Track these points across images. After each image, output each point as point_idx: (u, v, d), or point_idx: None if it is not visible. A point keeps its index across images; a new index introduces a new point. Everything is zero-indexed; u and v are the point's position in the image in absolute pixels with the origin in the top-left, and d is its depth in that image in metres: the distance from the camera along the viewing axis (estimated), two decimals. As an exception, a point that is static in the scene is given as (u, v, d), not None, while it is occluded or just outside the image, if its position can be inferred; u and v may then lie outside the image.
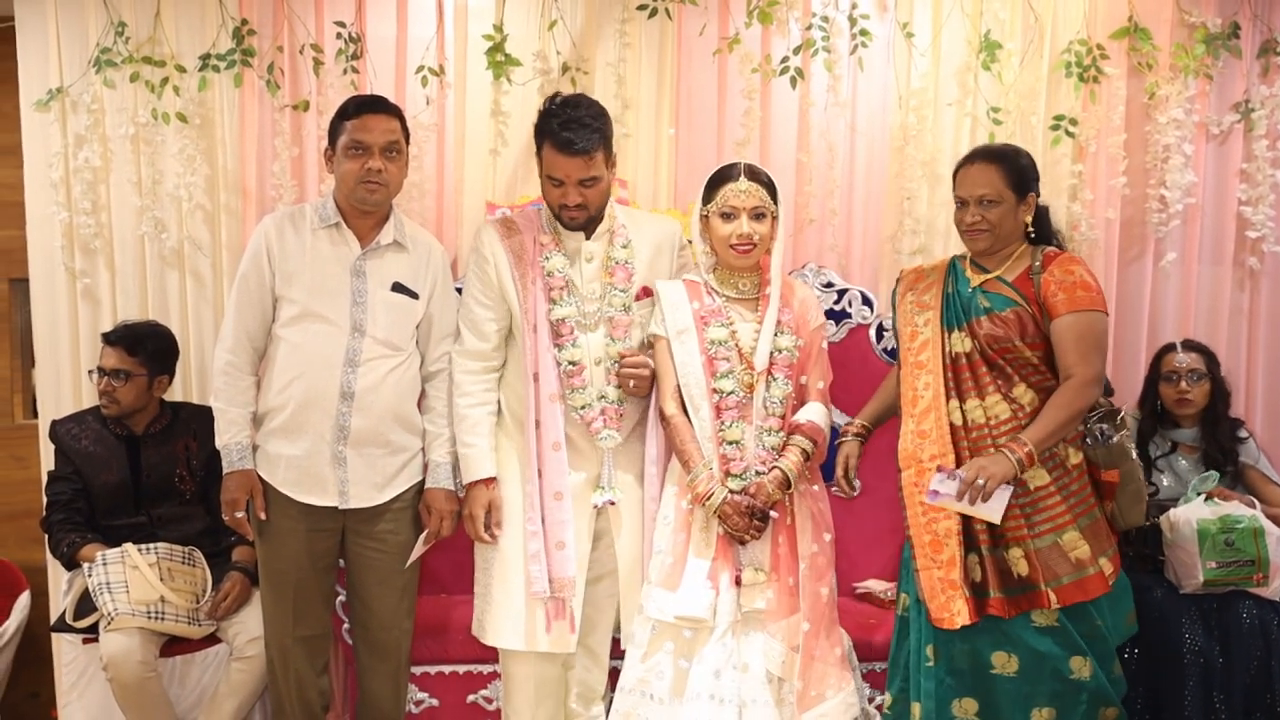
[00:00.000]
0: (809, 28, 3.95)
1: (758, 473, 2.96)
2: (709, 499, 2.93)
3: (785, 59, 3.95)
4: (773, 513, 2.95)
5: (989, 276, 3.00)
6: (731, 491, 2.93)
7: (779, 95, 4.00)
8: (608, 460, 3.06)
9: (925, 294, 3.08)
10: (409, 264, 3.17)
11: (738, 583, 2.94)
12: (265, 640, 3.27)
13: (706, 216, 3.03)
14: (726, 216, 2.98)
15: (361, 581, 3.22)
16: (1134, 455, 2.99)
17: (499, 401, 3.16)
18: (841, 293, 3.93)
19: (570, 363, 3.02)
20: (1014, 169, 2.99)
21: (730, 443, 2.98)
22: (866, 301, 3.93)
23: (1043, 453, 2.83)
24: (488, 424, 3.11)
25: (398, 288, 3.13)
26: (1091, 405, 2.88)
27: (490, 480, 3.08)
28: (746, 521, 2.92)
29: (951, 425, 2.90)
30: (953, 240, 4.03)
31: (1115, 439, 2.88)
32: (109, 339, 3.58)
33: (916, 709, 2.89)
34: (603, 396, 3.04)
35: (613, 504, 3.05)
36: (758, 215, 2.99)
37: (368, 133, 3.05)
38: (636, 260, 3.10)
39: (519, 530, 3.06)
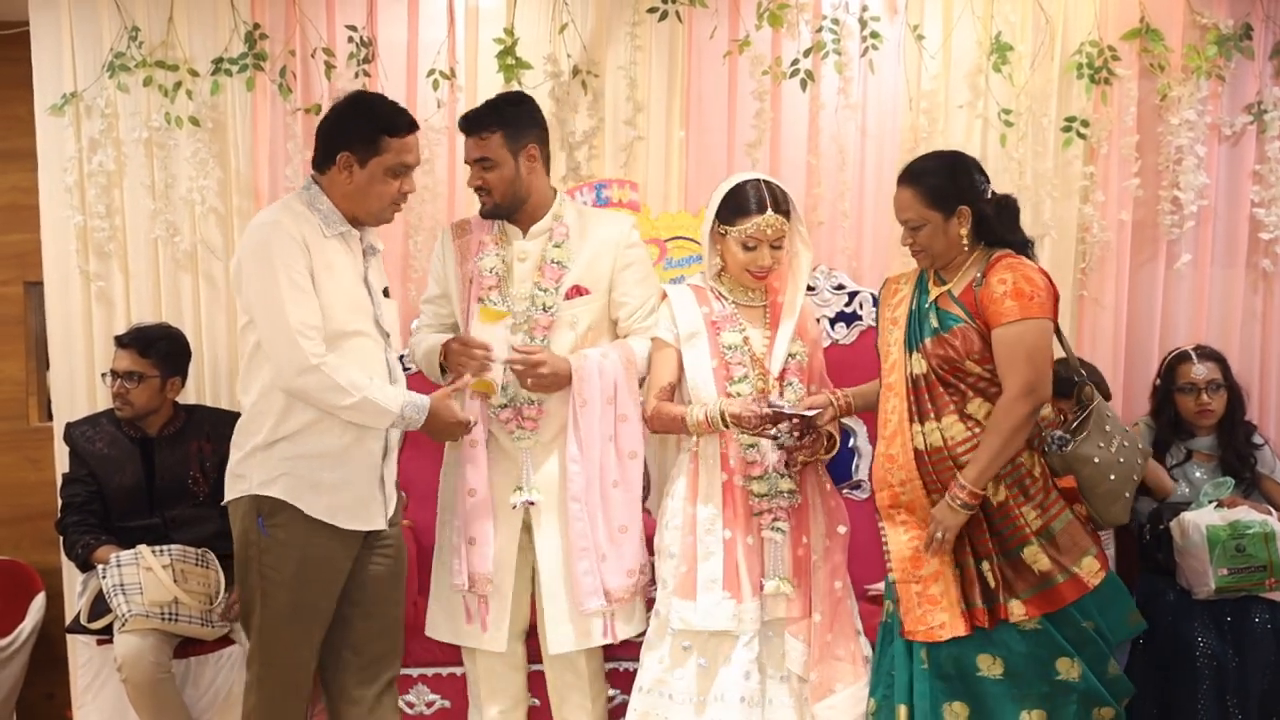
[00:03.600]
0: (819, 30, 3.95)
1: (781, 475, 2.97)
2: (714, 416, 2.93)
3: (796, 61, 3.95)
4: (808, 412, 2.91)
5: (942, 291, 2.90)
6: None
7: (789, 97, 4.00)
8: (526, 460, 3.03)
9: (897, 309, 3.00)
10: (378, 265, 3.00)
11: (760, 589, 2.95)
12: (269, 668, 2.83)
13: (724, 234, 3.01)
14: (748, 247, 2.98)
15: (372, 595, 2.92)
16: (1102, 455, 2.84)
17: None
18: (852, 295, 3.93)
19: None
20: (931, 187, 2.85)
21: (749, 446, 2.98)
22: (877, 304, 3.91)
23: (1000, 470, 2.78)
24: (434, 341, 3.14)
25: (387, 293, 2.99)
26: (1032, 413, 2.76)
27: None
28: (759, 413, 2.87)
29: (915, 450, 2.83)
30: (964, 242, 4.04)
31: (1069, 446, 2.81)
32: (121, 341, 3.60)
33: (903, 712, 2.84)
34: (524, 396, 3.01)
35: (531, 504, 3.02)
36: (776, 244, 3.00)
37: (411, 154, 2.82)
38: (573, 260, 3.06)
39: (447, 525, 3.10)
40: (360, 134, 2.77)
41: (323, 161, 2.81)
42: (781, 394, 3.00)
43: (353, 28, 3.90)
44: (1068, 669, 2.77)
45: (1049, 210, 4.01)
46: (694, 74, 3.99)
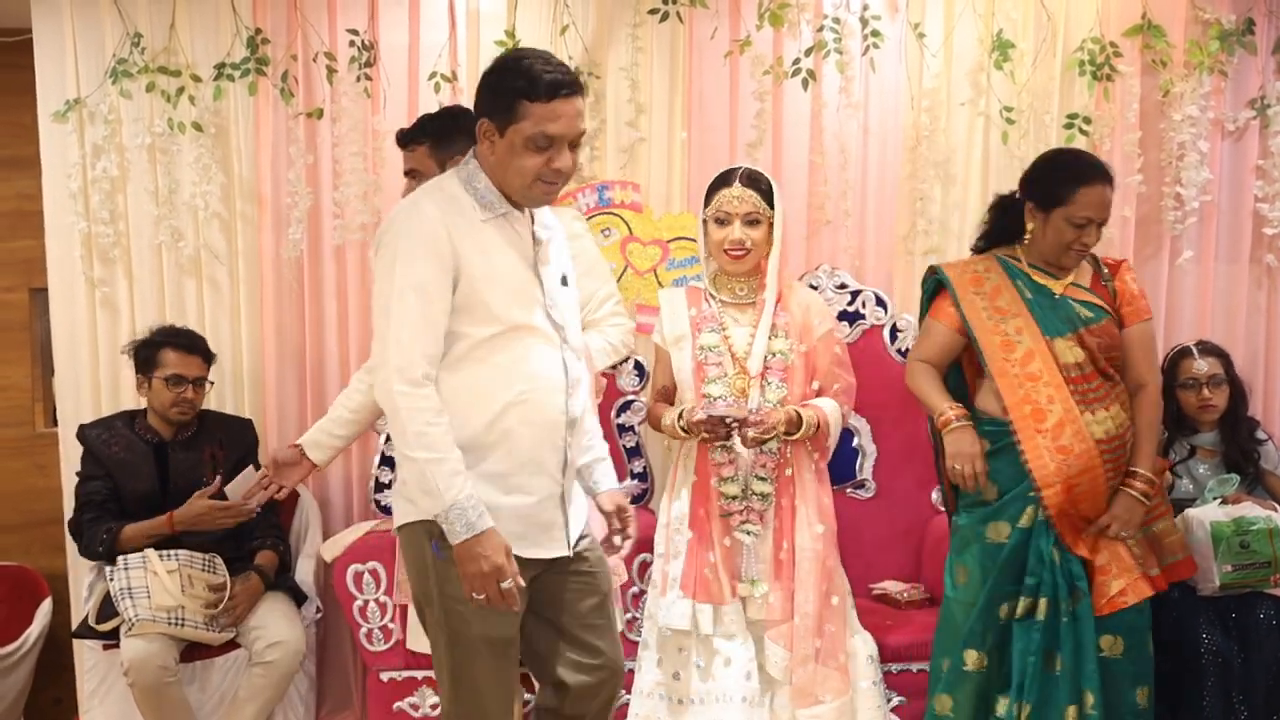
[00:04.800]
0: (820, 29, 3.94)
1: (758, 478, 2.98)
2: (681, 421, 2.99)
3: (797, 61, 3.95)
4: (749, 431, 2.93)
5: (1068, 283, 3.05)
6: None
7: (791, 97, 4.00)
8: None
9: (998, 298, 3.03)
10: (558, 249, 2.59)
11: (733, 593, 2.98)
12: (463, 705, 2.47)
13: (705, 222, 3.03)
14: (720, 222, 3.00)
15: (578, 621, 2.56)
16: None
17: None
18: (855, 294, 3.92)
19: None
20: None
21: (719, 448, 2.99)
22: (880, 303, 3.92)
23: None
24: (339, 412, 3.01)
25: (566, 280, 2.58)
26: None
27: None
28: (714, 422, 2.93)
29: (1096, 440, 2.93)
30: (967, 240, 4.02)
31: None
32: (186, 347, 3.60)
33: (1025, 710, 2.92)
34: None
35: None
36: (751, 221, 3.01)
37: (556, 122, 2.34)
38: None
39: None
40: (497, 97, 2.35)
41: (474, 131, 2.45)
42: (763, 393, 3.01)
43: (354, 31, 3.91)
44: (1150, 643, 2.99)
45: (1052, 207, 4.00)
46: (695, 74, 3.99)
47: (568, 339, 2.47)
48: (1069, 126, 3.96)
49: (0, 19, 4.06)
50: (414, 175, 2.99)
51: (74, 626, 3.66)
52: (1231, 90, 4.05)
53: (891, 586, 3.71)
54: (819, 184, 4.01)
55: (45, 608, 4.15)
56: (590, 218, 3.92)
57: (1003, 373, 2.98)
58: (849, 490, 3.82)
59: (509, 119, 2.32)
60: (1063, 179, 2.99)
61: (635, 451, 3.88)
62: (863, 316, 3.92)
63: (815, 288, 3.88)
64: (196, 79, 3.89)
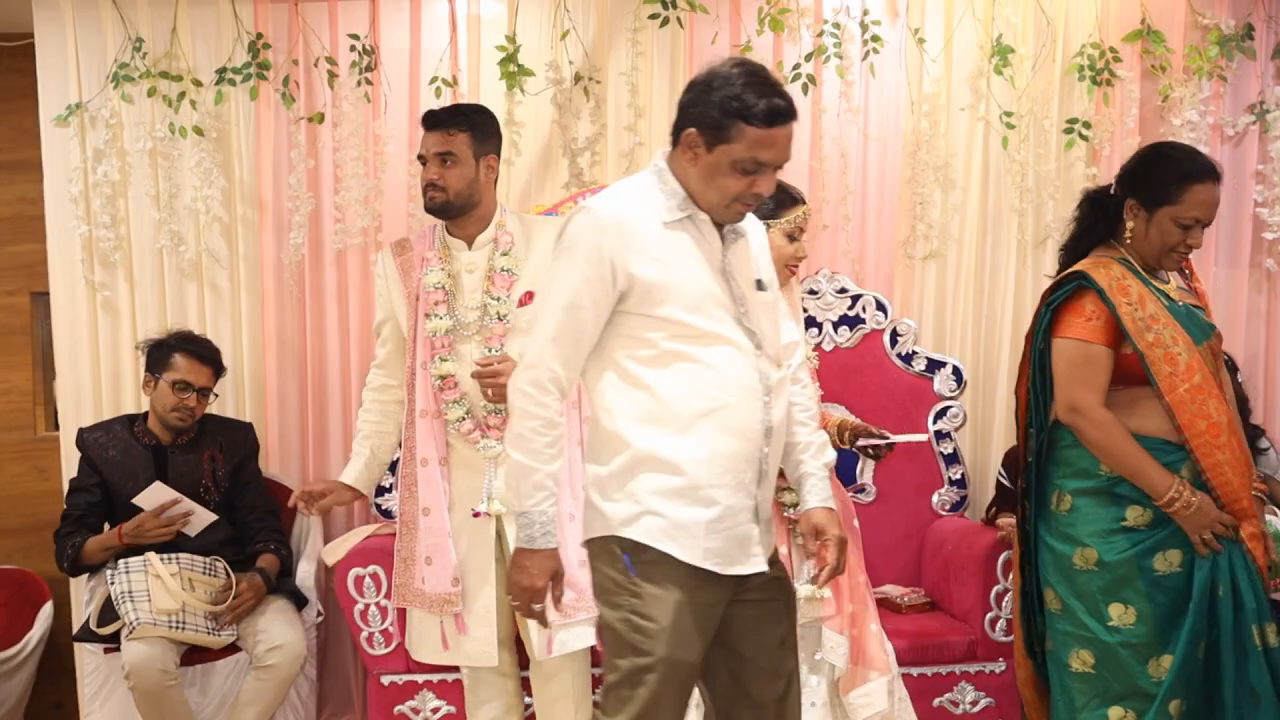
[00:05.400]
0: (820, 34, 3.95)
1: (782, 488, 2.98)
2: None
3: (797, 66, 3.95)
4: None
5: (1176, 287, 2.85)
6: None
7: (791, 102, 4.01)
8: (489, 470, 2.99)
9: (1144, 306, 2.72)
10: (751, 253, 2.46)
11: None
12: None
13: (767, 229, 2.99)
14: (793, 238, 2.99)
15: (749, 642, 2.43)
16: None
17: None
18: (855, 298, 3.93)
19: (440, 376, 2.99)
20: None
21: None
22: (880, 307, 3.92)
23: None
24: (375, 441, 3.14)
25: (762, 285, 2.44)
26: None
27: (352, 489, 3.14)
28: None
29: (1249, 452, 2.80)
30: (967, 246, 4.05)
31: None
32: (200, 356, 3.60)
33: None
34: (482, 406, 2.99)
35: (488, 515, 2.98)
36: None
37: (769, 150, 2.25)
38: (522, 267, 3.05)
39: (404, 545, 3.08)
40: (712, 112, 2.24)
41: (674, 134, 2.33)
42: None
43: (355, 36, 3.91)
44: None
45: (1051, 212, 4.01)
46: (696, 79, 4.00)
47: (762, 346, 2.34)
48: (1069, 131, 3.97)
49: (2, 23, 4.08)
50: (448, 159, 2.98)
51: (75, 630, 3.66)
52: (1231, 95, 4.06)
53: (892, 590, 3.72)
54: (819, 189, 4.02)
55: (46, 611, 4.15)
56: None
57: (1172, 389, 2.68)
58: (849, 494, 3.83)
59: (721, 138, 2.23)
60: (1171, 176, 2.74)
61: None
62: (863, 321, 3.93)
63: (815, 292, 3.90)
64: (198, 83, 3.90)
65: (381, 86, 3.95)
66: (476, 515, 2.98)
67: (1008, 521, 3.49)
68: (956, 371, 3.88)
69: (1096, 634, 2.70)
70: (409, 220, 3.96)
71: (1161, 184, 2.74)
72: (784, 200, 3.00)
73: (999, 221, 4.07)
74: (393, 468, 3.43)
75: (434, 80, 3.92)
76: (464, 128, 2.99)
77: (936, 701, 3.48)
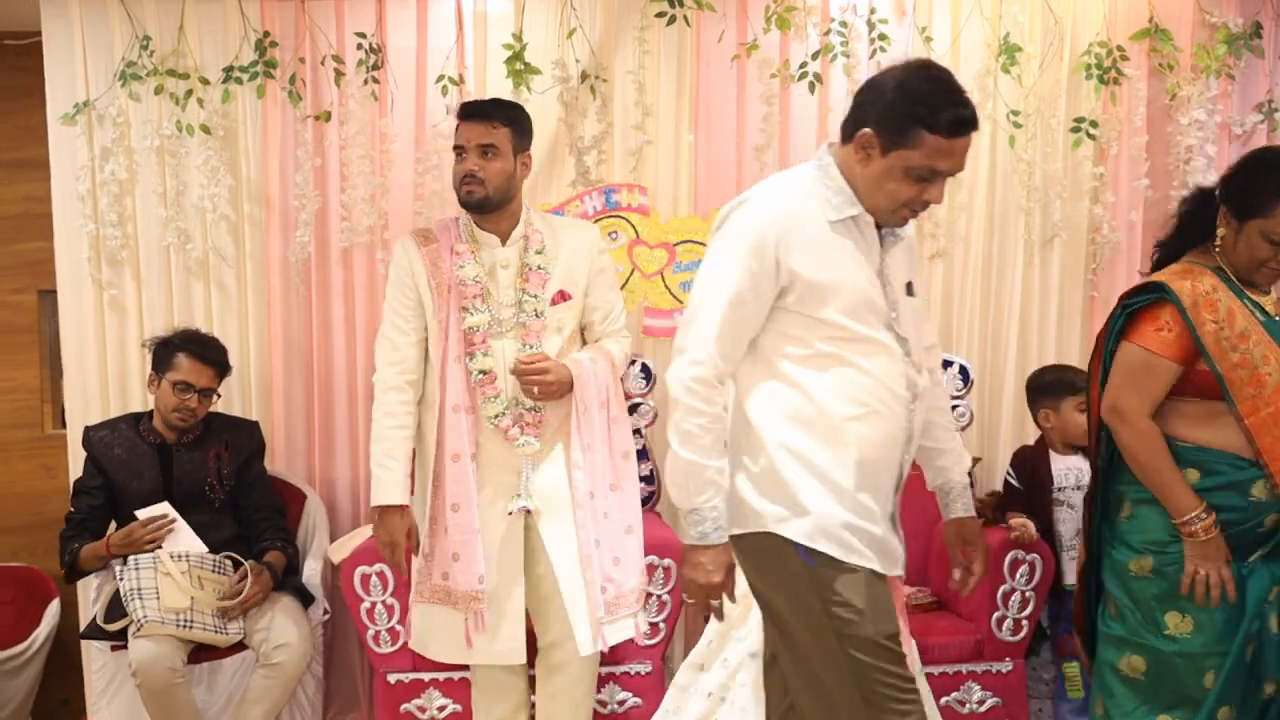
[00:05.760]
0: (827, 33, 3.95)
1: None
2: None
3: (804, 64, 3.95)
4: None
5: (1269, 300, 2.66)
6: None
7: (798, 100, 4.00)
8: (526, 467, 2.98)
9: (1234, 323, 2.56)
10: (905, 256, 2.42)
11: None
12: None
13: None
14: None
15: None
16: None
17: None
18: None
19: (481, 371, 2.97)
20: None
21: None
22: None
23: None
24: (406, 448, 3.01)
25: (911, 289, 2.42)
26: None
27: (405, 507, 2.99)
28: None
29: None
30: (974, 244, 4.04)
31: None
32: (203, 357, 3.59)
33: None
34: (518, 403, 2.98)
35: (528, 511, 2.98)
36: None
37: (948, 160, 2.20)
38: (553, 265, 3.06)
39: (429, 541, 3.01)
40: (893, 114, 2.18)
41: (846, 130, 2.27)
42: None
43: (362, 35, 3.91)
44: None
45: (1059, 211, 4.00)
46: (702, 78, 4.00)
47: (910, 352, 2.32)
48: (1076, 130, 3.96)
49: (9, 22, 4.08)
50: (490, 151, 2.97)
51: (82, 627, 3.67)
52: (1239, 94, 4.06)
53: (904, 590, 3.71)
54: (826, 187, 4.01)
55: (53, 609, 4.16)
56: (597, 221, 3.93)
57: (1254, 411, 2.55)
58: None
59: (899, 143, 2.17)
60: (1265, 186, 2.55)
61: (643, 454, 3.89)
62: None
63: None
64: (205, 82, 3.90)
65: (388, 85, 3.95)
66: (513, 513, 2.97)
67: (1019, 521, 3.49)
68: (963, 370, 3.88)
69: (1150, 642, 2.66)
70: (415, 219, 3.96)
71: (1254, 193, 2.57)
72: None
73: (1006, 220, 4.07)
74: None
75: (440, 79, 3.92)
76: (506, 121, 2.99)
77: (943, 701, 3.48)
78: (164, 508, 3.48)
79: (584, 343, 3.16)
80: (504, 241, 3.06)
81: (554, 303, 3.04)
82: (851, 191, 2.26)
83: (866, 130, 2.20)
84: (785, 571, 2.28)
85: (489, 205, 3.00)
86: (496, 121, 2.98)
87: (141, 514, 3.48)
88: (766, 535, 2.27)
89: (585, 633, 2.97)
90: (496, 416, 2.98)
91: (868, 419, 2.24)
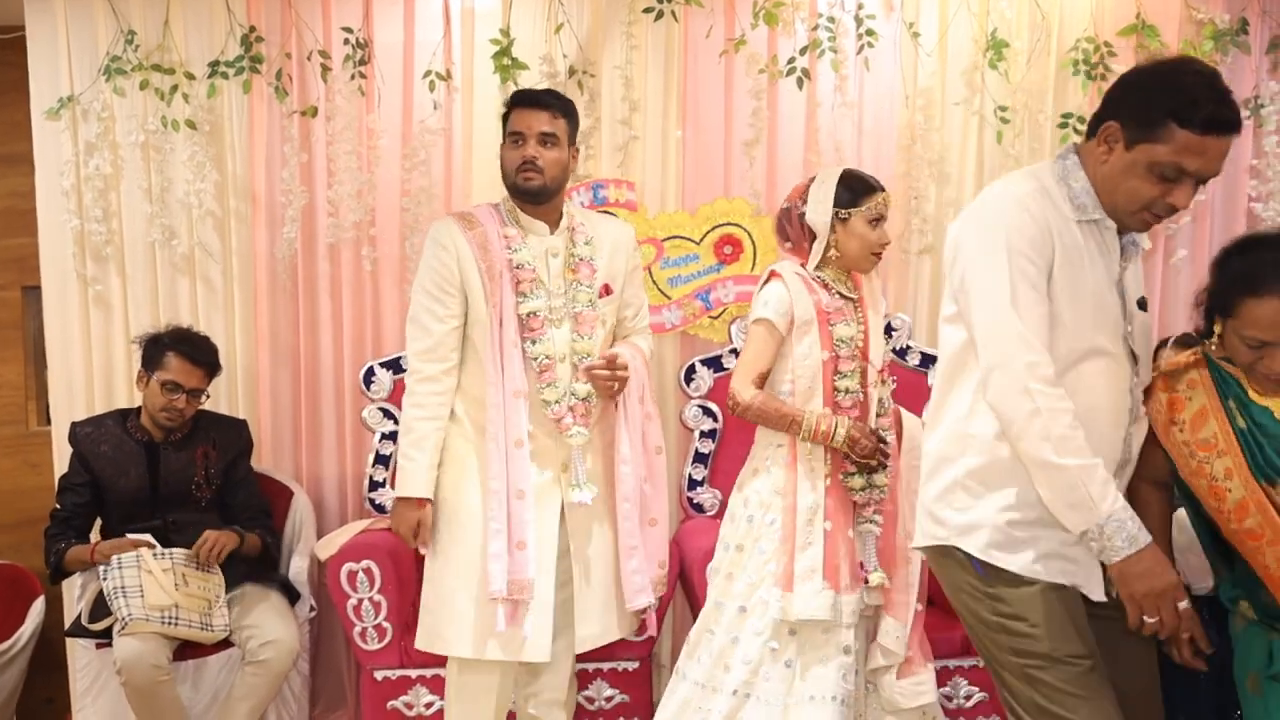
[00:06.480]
0: (815, 28, 3.94)
1: (880, 467, 3.00)
2: (834, 432, 2.91)
3: (792, 59, 3.95)
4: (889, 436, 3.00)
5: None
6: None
7: (786, 96, 4.00)
8: (577, 457, 2.96)
9: (1201, 429, 2.25)
10: (1138, 267, 2.33)
11: (865, 582, 2.96)
12: None
13: (846, 219, 2.99)
14: (875, 223, 3.00)
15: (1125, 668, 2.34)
16: None
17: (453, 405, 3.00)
18: (850, 293, 3.92)
19: (545, 357, 2.93)
20: None
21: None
22: (877, 301, 3.92)
23: None
24: (435, 440, 2.94)
25: (1144, 304, 2.28)
26: None
27: (424, 501, 2.93)
28: (874, 442, 2.94)
29: None
30: (961, 239, 4.05)
31: None
32: (193, 359, 3.56)
33: None
34: (572, 393, 2.97)
35: (587, 503, 2.96)
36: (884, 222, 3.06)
37: (1197, 160, 2.08)
38: (598, 258, 3.05)
39: (474, 535, 2.91)
40: (1142, 106, 2.05)
41: (1092, 125, 2.16)
42: (882, 387, 3.04)
43: (349, 30, 3.90)
44: None
45: (1046, 207, 4.01)
46: (690, 73, 3.99)
47: (1139, 371, 2.20)
48: (1063, 126, 3.96)
49: (-7, 16, 4.06)
50: (550, 140, 2.96)
51: (67, 625, 3.65)
52: (1225, 90, 4.06)
53: (886, 585, 3.72)
54: (814, 183, 4.01)
55: (38, 606, 4.14)
56: (585, 216, 3.93)
57: (1222, 525, 2.29)
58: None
59: (1145, 135, 2.04)
60: (1232, 282, 2.22)
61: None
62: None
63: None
64: (190, 76, 3.88)
65: (375, 80, 3.93)
66: (570, 505, 2.96)
67: None
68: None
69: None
70: (402, 215, 3.95)
71: (1225, 290, 2.24)
72: (863, 188, 3.01)
73: (994, 216, 4.07)
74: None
75: (428, 74, 3.91)
76: (565, 113, 3.01)
77: (931, 696, 3.48)
78: (149, 540, 3.47)
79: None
80: (553, 230, 3.04)
81: (599, 296, 3.04)
82: (1095, 193, 2.14)
83: (1112, 123, 2.08)
84: (969, 586, 2.21)
85: (545, 194, 2.99)
86: (557, 112, 2.98)
87: (133, 537, 3.46)
88: (934, 550, 2.27)
89: (590, 625, 2.99)
90: (555, 403, 2.94)
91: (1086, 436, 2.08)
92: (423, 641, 2.99)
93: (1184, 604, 2.00)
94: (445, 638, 2.95)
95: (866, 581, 2.97)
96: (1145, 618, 2.03)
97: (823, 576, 2.88)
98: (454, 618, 2.93)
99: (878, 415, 3.03)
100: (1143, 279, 2.28)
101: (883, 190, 3.02)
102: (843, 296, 3.04)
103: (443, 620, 2.95)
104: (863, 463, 2.95)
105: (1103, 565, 2.17)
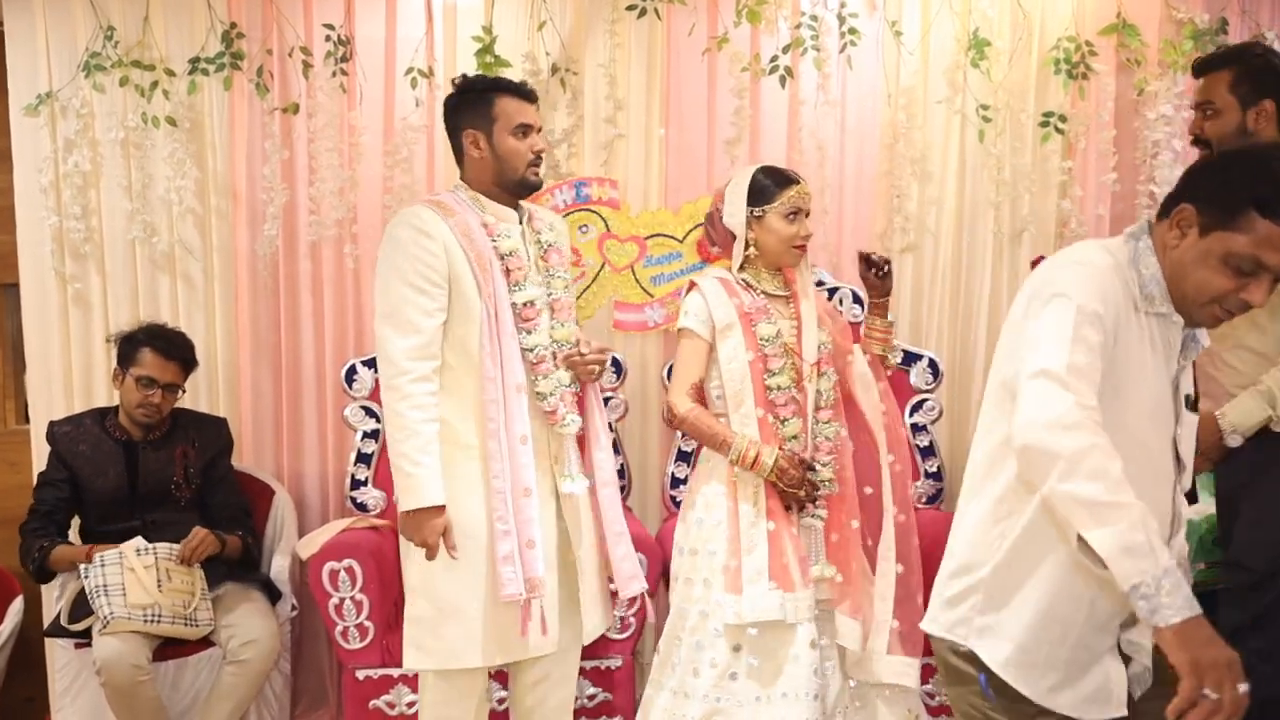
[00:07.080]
0: (798, 26, 3.95)
1: (821, 464, 2.99)
2: (760, 461, 2.91)
3: (775, 58, 3.95)
4: (819, 465, 2.98)
5: None
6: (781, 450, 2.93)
7: (769, 94, 4.00)
8: (569, 448, 2.91)
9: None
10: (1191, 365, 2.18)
11: (807, 578, 2.95)
12: None
13: (761, 216, 3.00)
14: (792, 217, 3.00)
15: None
16: None
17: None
18: (832, 291, 3.93)
19: (540, 347, 2.85)
20: None
21: (791, 438, 2.98)
22: (857, 299, 3.92)
23: None
24: (437, 442, 2.75)
25: (1192, 404, 2.12)
26: None
27: (444, 507, 2.74)
28: (801, 473, 2.93)
29: None
30: (943, 238, 4.06)
31: None
32: (166, 353, 3.54)
33: None
34: (561, 382, 2.89)
35: (579, 494, 2.92)
36: (807, 213, 3.05)
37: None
38: (561, 244, 3.00)
39: (478, 542, 2.79)
40: (1222, 190, 1.87)
41: (1166, 204, 1.97)
42: (818, 381, 3.02)
43: (330, 26, 3.88)
44: None
45: (1027, 205, 4.02)
46: (673, 71, 3.99)
47: (1183, 480, 2.03)
48: (1045, 125, 3.98)
49: (-29, 12, 4.02)
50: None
51: (46, 625, 3.63)
52: (1205, 89, 4.07)
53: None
54: (796, 181, 4.02)
55: (16, 606, 4.10)
56: (567, 214, 3.92)
57: None
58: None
59: (1223, 223, 1.85)
60: (1249, 194, 1.92)
61: (614, 449, 3.88)
62: (839, 313, 3.92)
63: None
64: (170, 73, 3.86)
65: (357, 77, 3.92)
66: (571, 496, 2.91)
67: None
68: (933, 364, 3.89)
69: None
70: (384, 212, 3.94)
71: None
72: (776, 184, 3.01)
73: (975, 214, 4.08)
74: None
75: (410, 71, 3.90)
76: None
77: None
78: (140, 542, 3.44)
79: None
80: (520, 220, 2.95)
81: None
82: (1165, 284, 1.94)
83: (1187, 206, 1.89)
84: (967, 700, 2.08)
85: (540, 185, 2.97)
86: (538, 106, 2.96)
87: (127, 547, 3.43)
88: (940, 642, 2.11)
89: (592, 616, 2.96)
90: (551, 394, 2.86)
91: None
92: (423, 661, 2.85)
93: (1244, 687, 1.68)
94: (455, 652, 2.81)
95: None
96: (1207, 692, 1.67)
97: (769, 577, 2.89)
98: (465, 629, 2.81)
99: (817, 408, 3.03)
100: (1194, 378, 2.11)
101: (798, 183, 3.02)
102: (770, 295, 3.05)
103: (450, 635, 2.81)
104: (790, 493, 2.94)
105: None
